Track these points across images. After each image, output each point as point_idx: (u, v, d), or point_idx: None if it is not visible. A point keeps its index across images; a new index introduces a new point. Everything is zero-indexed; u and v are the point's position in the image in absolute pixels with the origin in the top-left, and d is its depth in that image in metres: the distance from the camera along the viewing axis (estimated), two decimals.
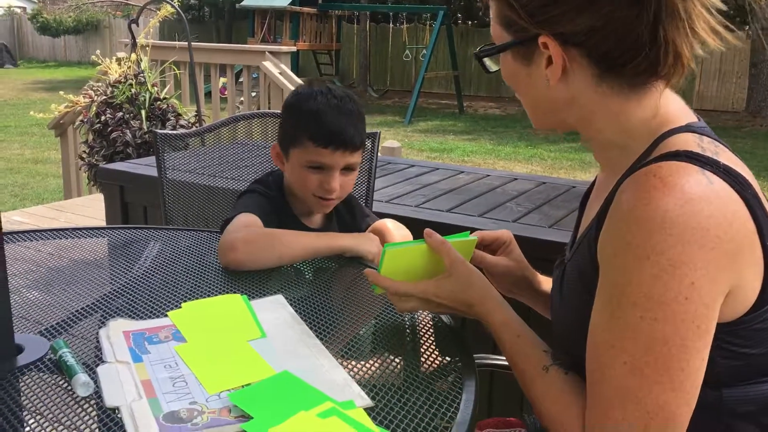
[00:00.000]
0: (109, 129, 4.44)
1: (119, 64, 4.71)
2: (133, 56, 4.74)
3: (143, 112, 4.47)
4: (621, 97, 0.94)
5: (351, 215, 1.70)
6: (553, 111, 1.00)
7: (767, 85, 13.19)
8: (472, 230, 1.22)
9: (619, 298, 0.85)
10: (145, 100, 4.52)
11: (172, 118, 4.58)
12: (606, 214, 0.90)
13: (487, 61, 1.04)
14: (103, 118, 4.50)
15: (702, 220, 0.81)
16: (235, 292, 1.24)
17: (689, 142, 0.89)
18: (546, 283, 1.26)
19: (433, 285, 1.07)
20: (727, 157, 0.89)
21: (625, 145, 0.96)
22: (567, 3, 0.89)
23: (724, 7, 0.90)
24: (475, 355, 1.13)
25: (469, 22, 20.38)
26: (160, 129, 4.21)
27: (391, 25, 17.77)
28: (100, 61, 4.79)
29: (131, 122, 4.43)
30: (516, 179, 2.93)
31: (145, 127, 4.43)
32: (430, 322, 1.21)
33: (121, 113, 4.48)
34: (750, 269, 0.86)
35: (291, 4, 15.22)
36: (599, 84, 0.93)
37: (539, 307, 1.27)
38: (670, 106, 0.96)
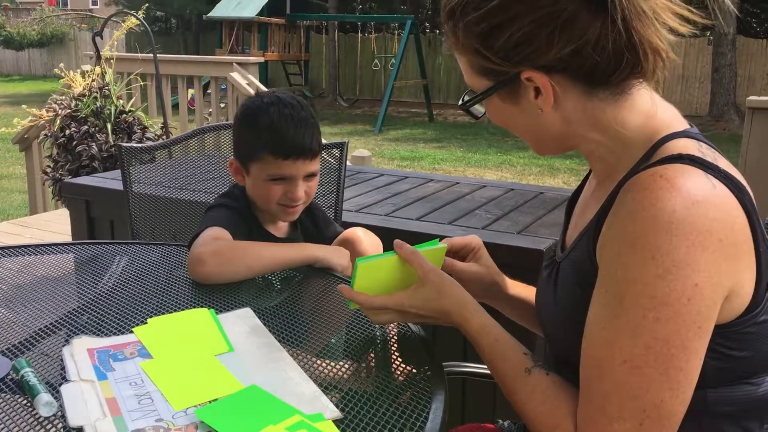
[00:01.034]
0: (74, 143, 4.38)
1: (84, 77, 4.65)
2: (98, 69, 4.68)
3: (109, 126, 4.41)
4: (612, 106, 0.95)
5: (314, 223, 1.69)
6: (553, 137, 1.00)
7: (729, 89, 13.47)
8: (441, 238, 1.22)
9: (621, 296, 0.85)
10: (110, 113, 4.47)
11: (139, 131, 4.53)
12: (605, 215, 0.91)
13: (473, 108, 1.04)
14: (67, 132, 4.44)
15: (707, 223, 0.82)
16: (203, 306, 1.22)
17: (690, 146, 0.91)
18: (515, 287, 1.27)
19: (408, 296, 1.07)
20: (724, 163, 0.91)
21: (622, 152, 0.96)
22: (536, 39, 0.90)
23: None
24: (446, 363, 1.14)
25: (437, 31, 20.51)
26: (126, 142, 4.16)
27: (359, 34, 17.82)
28: (63, 75, 4.72)
29: (97, 135, 4.38)
30: (485, 186, 2.95)
31: (111, 140, 4.38)
32: (400, 332, 1.21)
33: (86, 127, 4.42)
34: (745, 274, 0.88)
35: (259, 14, 15.20)
36: (590, 99, 0.94)
37: (508, 311, 1.28)
38: (665, 113, 0.97)
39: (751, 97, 2.85)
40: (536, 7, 0.89)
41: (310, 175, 1.53)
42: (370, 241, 1.57)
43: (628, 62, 0.90)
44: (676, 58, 0.94)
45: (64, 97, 4.74)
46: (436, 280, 1.06)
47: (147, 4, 7.34)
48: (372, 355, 1.15)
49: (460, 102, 1.04)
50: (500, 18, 0.91)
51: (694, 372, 0.85)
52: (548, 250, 1.97)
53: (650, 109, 0.96)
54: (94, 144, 4.34)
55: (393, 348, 1.18)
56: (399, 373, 1.08)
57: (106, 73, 4.65)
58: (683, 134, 0.94)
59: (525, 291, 1.26)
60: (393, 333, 1.22)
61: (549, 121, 0.97)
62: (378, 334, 1.21)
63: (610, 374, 0.85)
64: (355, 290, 1.08)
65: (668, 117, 0.97)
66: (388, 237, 1.61)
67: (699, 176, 0.85)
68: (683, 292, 0.82)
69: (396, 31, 16.63)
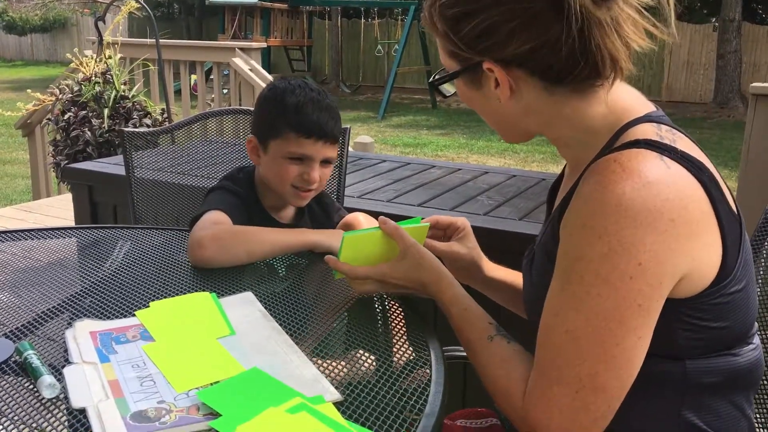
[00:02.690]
0: (71, 127, 4.37)
1: (96, 62, 4.64)
2: (107, 52, 4.67)
3: (106, 111, 4.39)
4: (573, 100, 0.98)
5: (323, 210, 1.70)
6: (514, 124, 1.05)
7: (734, 76, 13.40)
8: (424, 218, 1.28)
9: (570, 271, 0.90)
10: (109, 98, 4.45)
11: (136, 116, 4.51)
12: (569, 201, 0.95)
13: (442, 87, 1.10)
14: (67, 116, 4.43)
15: (657, 203, 0.85)
16: (205, 290, 1.23)
17: (648, 131, 0.93)
18: (496, 270, 1.33)
19: (389, 267, 1.15)
20: (684, 143, 0.93)
21: (587, 141, 0.99)
22: (498, 32, 0.94)
23: (654, 3, 0.94)
24: (446, 348, 1.14)
25: None
26: (124, 127, 4.15)
27: (362, 20, 17.73)
28: (73, 59, 4.71)
29: (93, 120, 4.36)
30: (487, 173, 2.95)
31: (105, 125, 4.36)
32: (402, 315, 1.22)
33: (84, 111, 4.41)
34: (707, 249, 0.90)
35: (261, 0, 15.13)
36: (551, 94, 0.98)
37: (489, 292, 1.33)
38: (626, 99, 1.00)
39: (755, 84, 2.83)
40: (505, 1, 0.92)
41: (327, 162, 1.55)
42: (370, 225, 1.57)
43: (584, 67, 0.93)
44: (632, 68, 0.96)
45: (69, 82, 4.73)
46: (416, 254, 1.14)
47: None
48: (373, 338, 1.16)
49: (430, 79, 1.10)
50: (471, 6, 0.95)
51: (631, 349, 0.88)
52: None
53: (612, 98, 0.98)
54: (88, 129, 4.32)
55: (394, 332, 1.19)
56: (399, 356, 1.09)
57: (110, 58, 4.64)
58: (645, 119, 0.96)
59: (507, 275, 1.32)
60: (396, 315, 1.22)
61: (510, 110, 1.01)
62: (379, 318, 1.22)
63: (554, 341, 0.91)
64: (341, 261, 1.16)
65: (630, 103, 0.99)
66: None
67: (652, 158, 0.89)
68: (626, 270, 0.86)
69: (399, 17, 16.54)
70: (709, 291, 0.91)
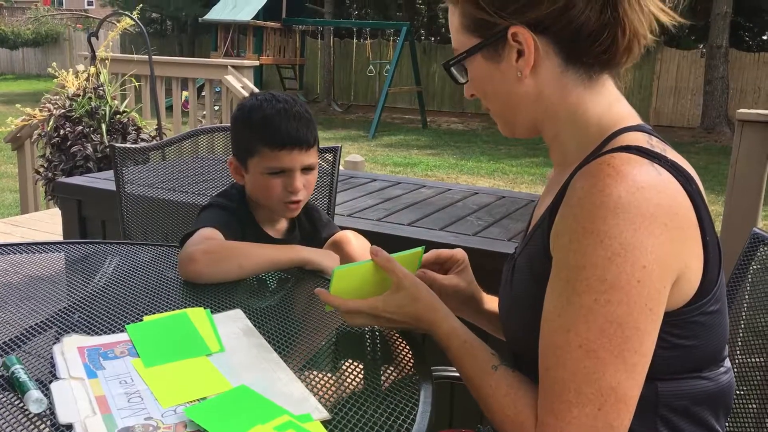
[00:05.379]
0: (69, 143, 4.37)
1: (77, 77, 4.64)
2: (92, 69, 4.68)
3: (104, 126, 4.40)
4: (581, 88, 0.99)
5: (312, 224, 1.70)
6: (522, 110, 1.03)
7: (721, 102, 13.56)
8: (427, 244, 1.25)
9: (574, 282, 0.87)
10: (105, 113, 4.46)
11: (133, 131, 4.53)
12: (558, 206, 0.93)
13: (455, 72, 1.06)
14: (62, 131, 4.43)
15: (651, 207, 0.85)
16: (193, 306, 1.23)
17: (639, 139, 0.94)
18: (492, 302, 1.30)
19: (382, 301, 1.10)
20: (673, 154, 0.94)
21: (580, 141, 1.00)
22: None
23: None
24: (434, 368, 1.15)
25: (432, 38, 20.60)
26: (121, 143, 4.15)
27: (354, 40, 17.84)
28: (57, 74, 4.71)
29: (91, 136, 4.37)
30: (477, 193, 2.96)
31: (105, 140, 4.37)
32: (390, 335, 1.22)
33: (80, 127, 4.42)
34: (693, 257, 0.90)
35: (254, 18, 15.21)
36: (564, 73, 0.99)
37: (483, 323, 1.30)
38: (623, 109, 1.02)
39: (742, 110, 2.87)
40: None
41: (308, 169, 1.55)
42: (359, 244, 1.58)
43: (605, 39, 0.94)
44: (638, 56, 0.99)
45: (58, 97, 4.73)
46: (410, 287, 1.08)
47: (141, 5, 7.34)
48: (361, 357, 1.16)
49: (444, 61, 1.06)
50: None
51: (648, 354, 0.87)
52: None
53: (612, 102, 1.01)
54: (89, 145, 4.33)
55: (382, 350, 1.19)
56: (387, 375, 1.09)
57: (101, 73, 4.64)
58: (636, 128, 0.98)
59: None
60: (384, 335, 1.22)
61: (523, 89, 1.00)
62: (368, 336, 1.22)
63: (567, 360, 0.86)
64: (331, 294, 1.11)
65: (627, 113, 1.01)
66: (379, 241, 1.61)
67: (644, 164, 0.89)
68: (632, 273, 0.84)
69: (391, 38, 16.65)
70: (689, 307, 0.91)
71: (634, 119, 1.00)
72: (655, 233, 0.85)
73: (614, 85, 1.02)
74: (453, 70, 1.06)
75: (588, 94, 1.00)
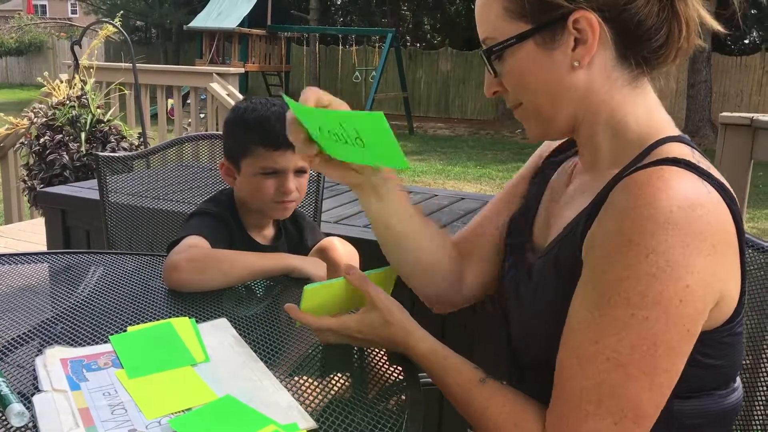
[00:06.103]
0: (47, 151, 4.34)
1: (69, 86, 4.61)
2: (76, 78, 4.65)
3: (83, 135, 4.37)
4: (627, 88, 0.96)
5: (298, 231, 1.70)
6: (567, 103, 0.97)
7: (704, 105, 13.68)
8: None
9: (610, 293, 0.83)
10: (85, 122, 4.43)
11: (114, 140, 4.49)
12: (595, 213, 0.90)
13: (495, 62, 0.99)
14: (42, 140, 4.40)
15: (702, 226, 0.82)
16: (178, 316, 1.22)
17: (685, 152, 0.91)
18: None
19: (355, 320, 1.08)
20: (716, 173, 0.91)
21: (617, 145, 0.97)
22: None
23: None
24: (422, 374, 1.14)
25: (417, 44, 20.66)
26: (101, 151, 4.13)
27: (340, 47, 17.87)
28: (45, 83, 4.68)
29: (70, 145, 4.33)
30: (463, 198, 2.96)
31: (83, 149, 4.34)
32: None
33: (60, 135, 4.38)
34: (733, 280, 0.88)
35: (240, 25, 15.19)
36: (614, 69, 0.95)
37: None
38: (663, 117, 0.99)
39: (725, 113, 2.90)
40: None
41: (301, 171, 1.55)
42: (345, 250, 1.58)
43: (664, 32, 0.93)
44: (702, 43, 0.97)
45: (42, 106, 4.70)
46: (383, 308, 1.06)
47: (122, 11, 7.32)
48: (348, 364, 1.16)
49: (485, 47, 0.99)
50: None
51: (676, 375, 0.84)
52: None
53: (652, 108, 0.98)
54: (65, 153, 4.29)
55: (370, 357, 1.18)
56: (375, 383, 1.09)
57: (85, 82, 4.62)
58: (678, 139, 0.94)
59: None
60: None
61: (573, 82, 0.95)
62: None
63: (592, 370, 0.84)
64: (302, 311, 1.09)
65: (665, 121, 0.99)
66: (366, 248, 1.61)
67: (695, 181, 0.85)
68: (675, 293, 0.81)
69: (377, 44, 16.70)
70: (723, 327, 0.89)
71: (673, 129, 0.97)
72: (704, 253, 0.82)
73: (653, 91, 0.99)
74: (492, 59, 0.99)
75: (632, 96, 0.97)
